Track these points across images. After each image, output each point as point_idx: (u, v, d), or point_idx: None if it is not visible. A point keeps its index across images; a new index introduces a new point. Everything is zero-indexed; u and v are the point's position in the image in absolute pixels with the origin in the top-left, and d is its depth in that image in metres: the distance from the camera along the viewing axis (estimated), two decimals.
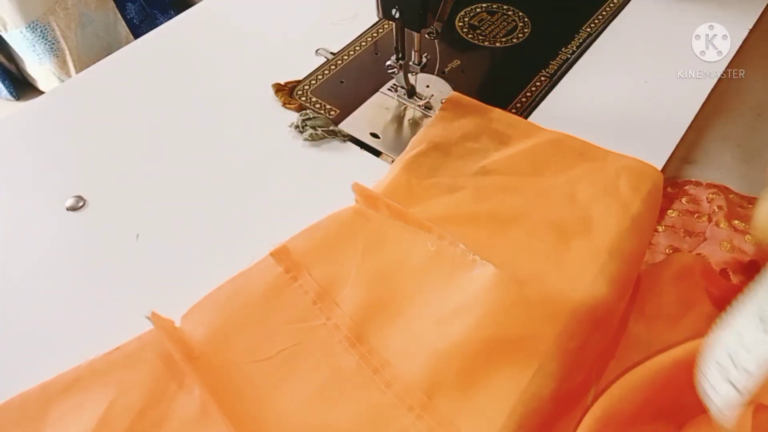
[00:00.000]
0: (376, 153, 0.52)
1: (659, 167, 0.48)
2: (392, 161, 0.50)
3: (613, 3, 0.65)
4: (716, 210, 0.52)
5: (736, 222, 0.51)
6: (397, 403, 0.36)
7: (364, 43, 0.62)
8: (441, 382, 0.36)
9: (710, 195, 0.53)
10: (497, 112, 0.51)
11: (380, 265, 0.42)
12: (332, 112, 0.55)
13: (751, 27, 0.61)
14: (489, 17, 0.65)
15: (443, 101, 0.52)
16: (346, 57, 0.60)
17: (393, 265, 0.42)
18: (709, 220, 0.52)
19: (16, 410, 0.36)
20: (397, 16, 0.46)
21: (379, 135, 0.53)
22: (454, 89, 0.56)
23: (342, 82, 0.58)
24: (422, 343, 0.38)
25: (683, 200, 0.54)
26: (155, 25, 0.66)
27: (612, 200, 0.44)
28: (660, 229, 0.52)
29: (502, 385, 0.35)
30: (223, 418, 0.34)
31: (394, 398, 0.36)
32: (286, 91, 0.57)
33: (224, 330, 0.39)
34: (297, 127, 0.53)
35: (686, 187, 0.54)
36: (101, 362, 0.37)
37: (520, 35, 0.62)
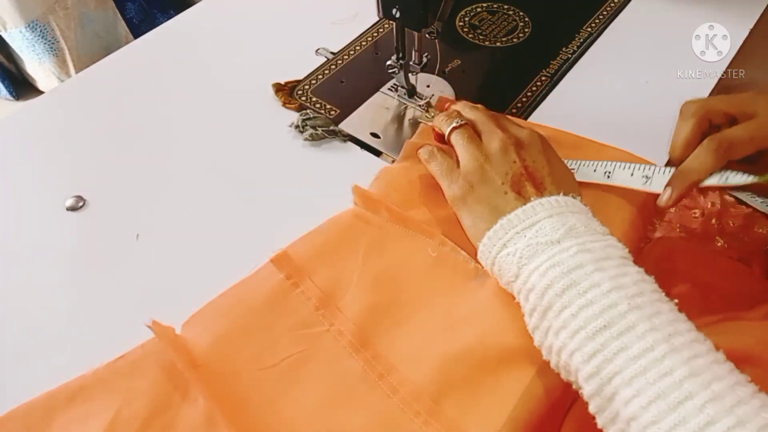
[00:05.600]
0: (377, 153, 0.52)
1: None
2: (392, 161, 0.50)
3: (614, 3, 0.65)
4: (710, 206, 0.52)
5: (730, 221, 0.51)
6: (404, 408, 0.35)
7: (364, 43, 0.62)
8: (448, 388, 0.36)
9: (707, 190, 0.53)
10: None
11: (382, 270, 0.41)
12: (332, 112, 0.55)
13: (751, 27, 0.61)
14: (489, 17, 0.65)
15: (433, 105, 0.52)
16: (346, 57, 0.60)
17: (394, 269, 0.41)
18: (702, 215, 0.52)
19: (20, 420, 0.35)
20: (398, 15, 0.46)
21: (380, 135, 0.53)
22: (455, 89, 0.56)
23: (342, 82, 0.58)
24: (428, 348, 0.37)
25: None
26: (155, 25, 0.66)
27: (608, 204, 0.44)
28: (657, 224, 0.52)
29: (509, 390, 0.35)
30: (228, 427, 0.34)
31: (400, 404, 0.36)
32: (286, 91, 0.57)
33: (227, 338, 0.38)
34: (297, 127, 0.53)
35: None
36: (105, 371, 0.37)
37: (520, 35, 0.62)
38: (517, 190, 0.38)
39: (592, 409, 0.30)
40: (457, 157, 0.42)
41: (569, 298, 0.31)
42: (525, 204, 0.36)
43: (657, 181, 0.41)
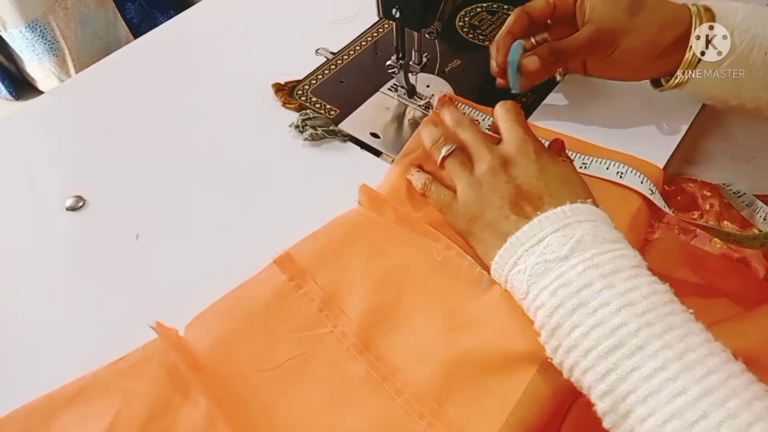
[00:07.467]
0: (377, 153, 0.52)
1: (660, 167, 0.48)
2: (392, 161, 0.50)
3: None
4: (708, 208, 0.52)
5: (726, 222, 0.51)
6: (408, 410, 0.35)
7: (364, 43, 0.62)
8: (452, 390, 0.36)
9: (705, 193, 0.53)
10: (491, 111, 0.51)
11: (385, 271, 0.41)
12: (332, 112, 0.55)
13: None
14: (489, 17, 0.65)
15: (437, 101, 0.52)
16: (346, 57, 0.60)
17: (398, 271, 0.41)
18: (701, 217, 0.52)
19: (20, 421, 0.35)
20: (398, 15, 0.46)
21: (380, 135, 0.53)
22: (455, 89, 0.56)
23: (342, 82, 0.58)
24: (432, 350, 0.37)
25: (679, 198, 0.55)
26: (155, 25, 0.66)
27: (613, 197, 0.44)
28: (656, 225, 0.52)
29: (512, 392, 0.35)
30: (229, 429, 0.34)
31: (404, 405, 0.36)
32: (286, 91, 0.57)
33: (229, 339, 0.38)
34: (297, 127, 0.53)
35: (683, 185, 0.55)
36: (105, 373, 0.37)
37: None
38: (516, 212, 0.37)
39: (606, 424, 0.30)
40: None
41: (579, 317, 0.31)
42: (528, 221, 0.36)
43: (658, 196, 0.45)
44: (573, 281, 0.32)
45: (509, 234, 0.36)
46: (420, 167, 0.46)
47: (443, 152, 0.43)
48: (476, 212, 0.39)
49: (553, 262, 0.33)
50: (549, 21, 0.49)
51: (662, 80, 0.49)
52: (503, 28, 0.48)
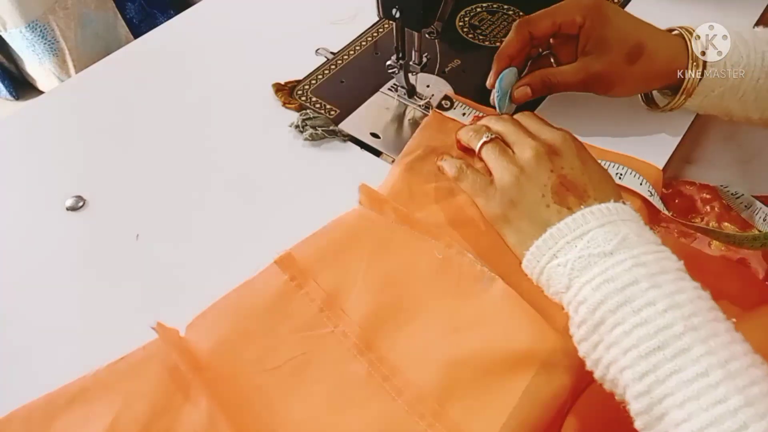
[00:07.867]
0: (377, 153, 0.52)
1: (660, 167, 0.48)
2: (392, 161, 0.50)
3: (613, 3, 0.65)
4: (708, 210, 0.52)
5: (726, 224, 0.51)
6: (409, 411, 0.35)
7: (364, 43, 0.62)
8: (453, 391, 0.36)
9: (704, 195, 0.53)
10: (491, 111, 0.51)
11: (386, 271, 0.41)
12: (332, 112, 0.55)
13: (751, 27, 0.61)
14: (489, 17, 0.65)
15: (440, 100, 0.52)
16: (346, 57, 0.60)
17: (399, 271, 0.41)
18: (701, 219, 0.52)
19: (20, 422, 0.35)
20: (398, 15, 0.46)
21: (380, 135, 0.53)
22: (455, 89, 0.56)
23: (342, 82, 0.58)
24: (433, 351, 0.37)
25: (677, 201, 0.55)
26: (155, 25, 0.66)
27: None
28: (655, 229, 0.52)
29: (514, 394, 0.35)
30: (230, 430, 0.34)
31: (405, 406, 0.36)
32: (286, 91, 0.57)
33: (230, 340, 0.38)
34: (297, 126, 0.53)
35: (681, 188, 0.55)
36: (106, 373, 0.37)
37: None
38: (559, 201, 0.36)
39: (638, 424, 0.30)
40: (489, 171, 0.41)
41: (623, 315, 0.31)
42: (571, 214, 0.35)
43: (657, 198, 0.45)
44: (618, 277, 0.31)
45: (549, 224, 0.35)
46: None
47: (483, 138, 0.41)
48: (515, 198, 0.38)
49: (597, 257, 0.33)
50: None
51: (656, 100, 0.51)
52: (503, 44, 0.48)
